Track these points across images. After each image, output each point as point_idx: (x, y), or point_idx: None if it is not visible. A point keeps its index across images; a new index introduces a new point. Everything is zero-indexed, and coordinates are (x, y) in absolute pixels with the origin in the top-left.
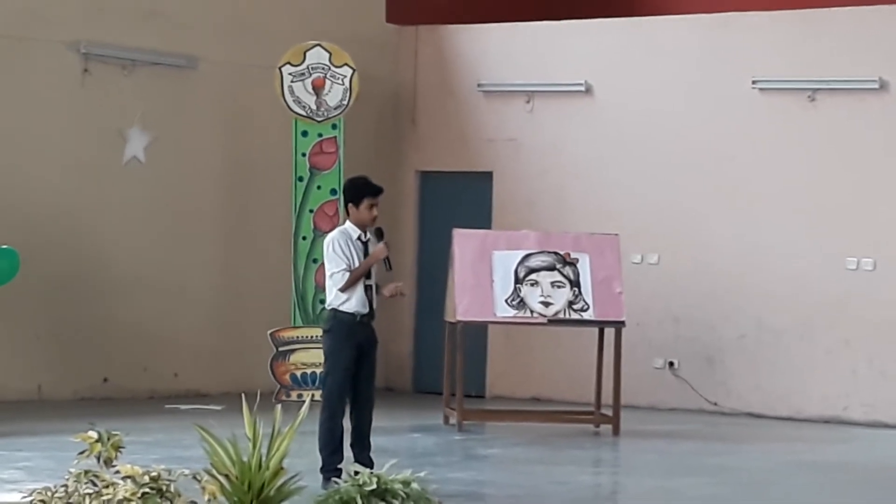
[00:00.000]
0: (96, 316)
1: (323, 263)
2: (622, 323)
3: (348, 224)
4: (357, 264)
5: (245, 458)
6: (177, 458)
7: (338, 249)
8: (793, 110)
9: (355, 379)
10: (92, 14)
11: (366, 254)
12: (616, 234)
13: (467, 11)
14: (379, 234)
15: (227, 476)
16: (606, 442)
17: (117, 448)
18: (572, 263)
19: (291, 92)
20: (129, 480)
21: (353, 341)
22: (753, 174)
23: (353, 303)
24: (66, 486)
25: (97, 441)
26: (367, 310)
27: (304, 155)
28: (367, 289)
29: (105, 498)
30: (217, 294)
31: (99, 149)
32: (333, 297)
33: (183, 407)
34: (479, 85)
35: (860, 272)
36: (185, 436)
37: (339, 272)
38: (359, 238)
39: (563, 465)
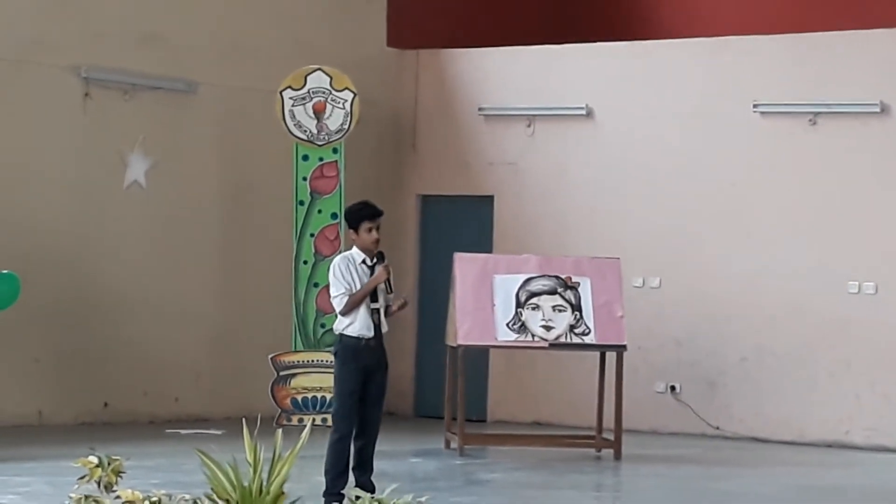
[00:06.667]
0: (96, 340)
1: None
2: (623, 347)
3: (354, 249)
4: (359, 288)
5: (246, 483)
6: (177, 483)
7: (338, 273)
8: (794, 134)
9: (362, 402)
10: (92, 39)
11: None
12: (617, 258)
13: (468, 35)
14: (380, 258)
15: (227, 501)
16: (608, 466)
17: (118, 473)
18: (573, 287)
19: (292, 116)
20: None
21: (358, 364)
22: (754, 197)
23: (358, 326)
24: None
25: (97, 466)
26: (371, 333)
27: (304, 179)
28: (374, 312)
29: None
30: (218, 318)
31: (100, 173)
32: (338, 322)
33: (183, 431)
34: (479, 109)
35: (862, 296)
36: (186, 460)
37: (339, 296)
38: (363, 262)
39: (565, 490)
